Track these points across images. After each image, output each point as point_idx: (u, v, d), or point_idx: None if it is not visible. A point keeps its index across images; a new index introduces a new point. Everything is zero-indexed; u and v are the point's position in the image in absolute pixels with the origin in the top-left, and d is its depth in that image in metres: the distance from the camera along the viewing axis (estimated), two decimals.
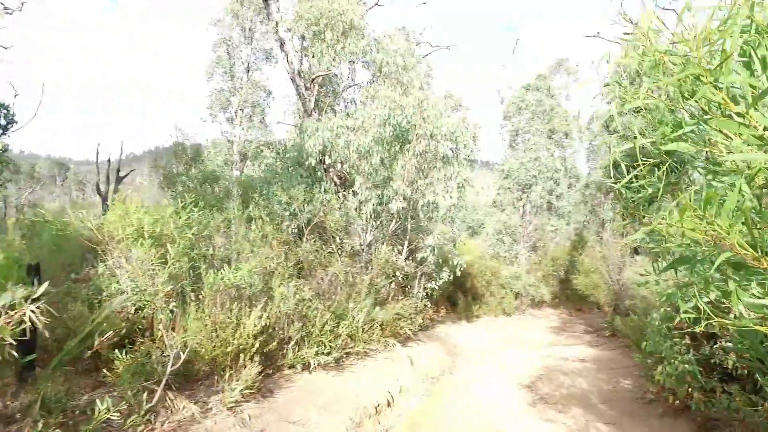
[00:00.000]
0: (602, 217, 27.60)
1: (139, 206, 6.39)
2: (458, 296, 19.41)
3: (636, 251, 14.28)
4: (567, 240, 26.60)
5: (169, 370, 4.86)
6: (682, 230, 1.50)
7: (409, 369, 9.32)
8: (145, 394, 4.49)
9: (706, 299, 1.88)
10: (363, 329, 9.65)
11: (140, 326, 6.11)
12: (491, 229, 23.68)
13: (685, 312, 1.84)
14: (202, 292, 6.67)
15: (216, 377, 6.24)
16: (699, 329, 1.82)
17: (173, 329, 6.06)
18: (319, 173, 11.54)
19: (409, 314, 11.30)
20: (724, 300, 1.87)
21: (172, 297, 6.21)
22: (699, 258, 1.82)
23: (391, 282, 11.04)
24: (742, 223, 1.35)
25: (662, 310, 5.92)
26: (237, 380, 6.07)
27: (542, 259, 22.64)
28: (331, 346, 8.12)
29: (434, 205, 11.07)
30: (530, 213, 23.23)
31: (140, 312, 6.20)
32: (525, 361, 11.68)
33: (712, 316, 1.58)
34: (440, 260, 13.25)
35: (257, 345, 6.58)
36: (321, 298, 9.19)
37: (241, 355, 6.40)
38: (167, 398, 4.86)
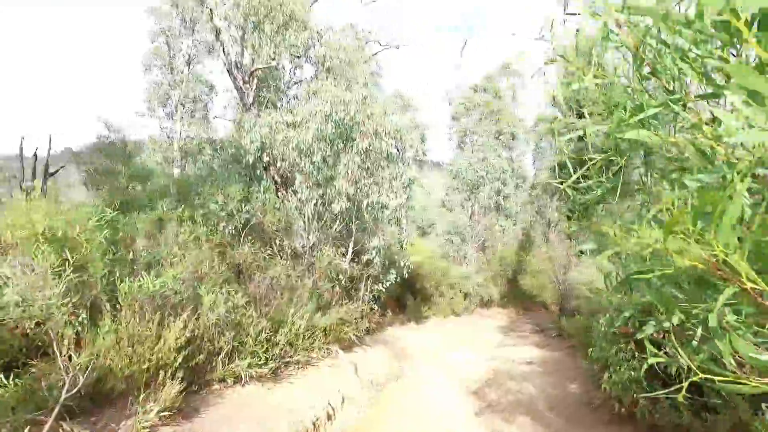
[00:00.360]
0: (548, 218, 28.14)
1: (38, 206, 5.61)
2: (407, 297, 19.13)
3: (581, 252, 14.42)
4: (515, 240, 26.92)
5: (63, 396, 4.18)
6: (665, 251, 1.12)
7: (353, 377, 8.86)
8: (28, 429, 3.81)
9: (668, 324, 1.52)
10: (304, 336, 9.13)
11: (40, 343, 5.36)
12: (440, 230, 23.61)
13: (655, 355, 1.48)
14: (120, 302, 5.98)
15: (131, 398, 5.57)
16: (682, 396, 1.47)
17: (79, 345, 5.36)
18: (258, 171, 10.91)
19: (354, 318, 10.86)
20: (688, 324, 1.52)
21: (80, 308, 5.50)
22: (658, 274, 1.45)
23: (334, 286, 10.56)
24: (754, 244, 0.99)
25: (607, 314, 5.73)
26: (154, 401, 5.44)
27: (491, 259, 22.75)
28: (266, 357, 7.56)
29: (379, 206, 10.67)
30: (479, 213, 23.30)
31: (42, 327, 5.44)
32: (473, 363, 11.47)
33: (696, 371, 1.21)
34: (387, 262, 12.88)
35: (180, 359, 5.95)
36: (258, 303, 8.60)
37: (162, 372, 5.76)
38: (61, 430, 4.19)
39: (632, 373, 5.26)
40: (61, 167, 20.79)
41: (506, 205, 23.55)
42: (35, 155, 16.52)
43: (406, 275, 13.01)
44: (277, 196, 10.63)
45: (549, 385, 8.39)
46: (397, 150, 10.69)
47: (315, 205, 9.80)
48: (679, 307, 1.50)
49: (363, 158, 10.28)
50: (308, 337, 9.22)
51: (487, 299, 21.17)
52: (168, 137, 22.11)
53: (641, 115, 1.32)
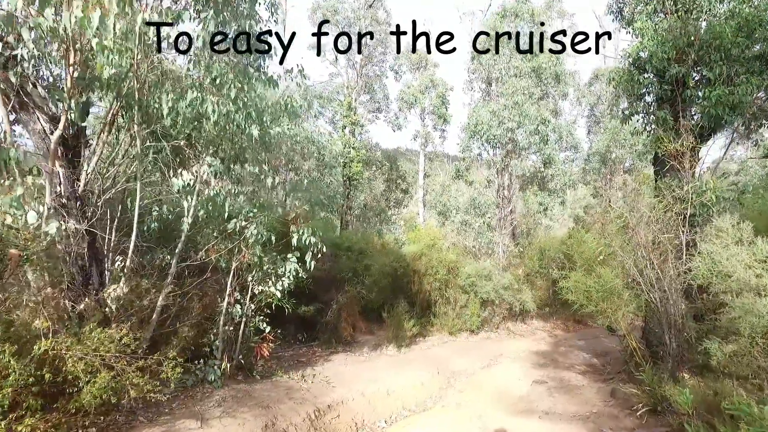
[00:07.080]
0: (608, 198, 19.86)
1: None
2: (398, 304, 11.95)
3: (694, 218, 6.50)
4: (563, 226, 19.03)
5: None
6: None
7: None
8: None
9: None
10: None
11: None
12: (456, 211, 16.11)
13: None
14: None
15: None
16: None
17: None
18: None
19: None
20: None
21: None
22: None
23: None
24: None
25: None
26: None
27: (525, 251, 15.01)
28: None
29: None
30: (509, 187, 15.65)
31: None
32: None
33: None
34: (266, 236, 5.81)
35: None
36: None
37: None
38: None
39: None
40: None
41: (548, 172, 15.60)
42: None
43: (310, 266, 5.89)
44: None
45: None
46: None
47: None
48: None
49: None
50: None
51: (518, 309, 13.52)
52: None
53: None
